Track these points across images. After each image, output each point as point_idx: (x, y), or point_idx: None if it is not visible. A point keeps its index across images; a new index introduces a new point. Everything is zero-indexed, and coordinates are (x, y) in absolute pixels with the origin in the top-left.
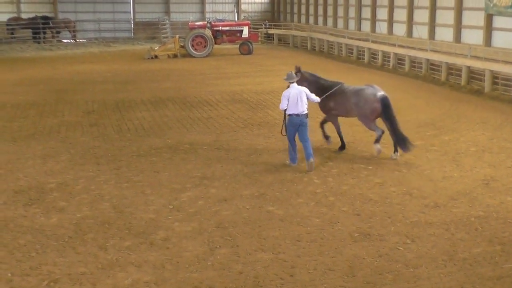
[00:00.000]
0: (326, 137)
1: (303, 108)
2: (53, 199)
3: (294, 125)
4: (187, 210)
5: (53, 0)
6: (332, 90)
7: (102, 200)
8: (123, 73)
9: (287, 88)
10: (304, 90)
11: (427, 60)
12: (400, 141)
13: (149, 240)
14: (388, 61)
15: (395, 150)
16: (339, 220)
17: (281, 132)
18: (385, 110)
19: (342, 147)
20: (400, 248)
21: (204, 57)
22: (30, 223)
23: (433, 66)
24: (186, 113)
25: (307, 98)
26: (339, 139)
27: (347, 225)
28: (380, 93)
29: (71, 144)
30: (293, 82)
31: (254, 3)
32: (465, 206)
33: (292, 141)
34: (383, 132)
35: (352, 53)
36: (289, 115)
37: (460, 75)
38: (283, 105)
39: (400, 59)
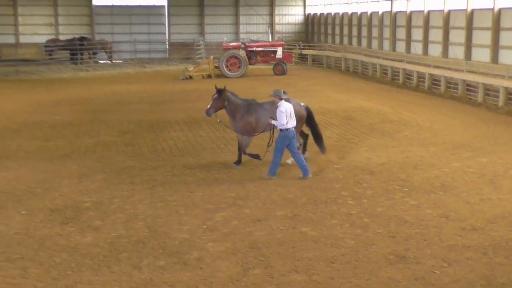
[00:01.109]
0: (256, 156)
1: (294, 123)
2: (88, 218)
3: (288, 139)
4: (221, 230)
5: (90, 21)
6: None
7: (136, 219)
8: (157, 94)
9: (277, 104)
10: (293, 104)
11: (463, 81)
12: (321, 142)
13: (183, 260)
14: (423, 81)
15: (305, 150)
16: (374, 242)
17: (268, 144)
18: (310, 116)
19: (238, 161)
20: (437, 271)
21: (238, 77)
22: (66, 241)
23: (469, 87)
24: (220, 133)
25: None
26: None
27: (382, 247)
28: (302, 104)
29: (106, 164)
30: (285, 98)
31: (288, 24)
32: (504, 229)
33: (281, 155)
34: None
35: (386, 73)
36: (287, 129)
37: (497, 96)
38: (284, 121)
39: (435, 80)
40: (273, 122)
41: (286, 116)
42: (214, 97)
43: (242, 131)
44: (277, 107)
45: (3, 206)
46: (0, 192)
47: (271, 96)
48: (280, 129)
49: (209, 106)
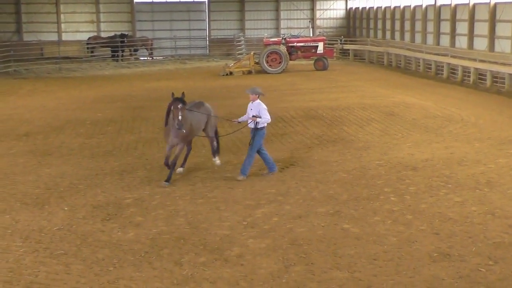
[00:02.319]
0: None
1: None
2: (130, 214)
3: (264, 137)
4: (261, 226)
5: (131, 18)
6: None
7: (177, 215)
8: (198, 90)
9: (253, 101)
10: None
11: (510, 75)
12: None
13: (224, 256)
14: (468, 76)
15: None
16: (417, 239)
17: (250, 143)
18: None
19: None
20: (482, 269)
21: (278, 73)
22: (108, 237)
23: None
24: None
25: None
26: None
27: (425, 245)
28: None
29: (147, 160)
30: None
31: (330, 18)
32: None
33: (254, 154)
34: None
35: (430, 68)
36: (263, 128)
37: None
38: (269, 117)
39: (481, 75)
40: (259, 120)
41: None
42: (179, 107)
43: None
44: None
45: (46, 202)
46: (43, 189)
47: (249, 92)
48: (259, 128)
49: (179, 119)
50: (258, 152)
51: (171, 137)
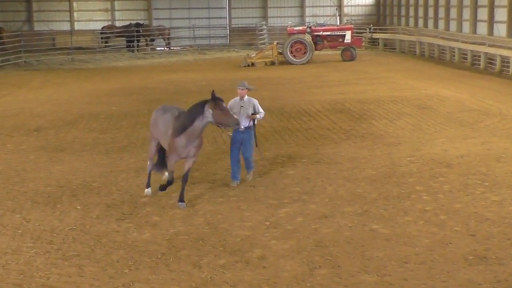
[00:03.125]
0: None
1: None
2: (146, 213)
3: None
4: (284, 227)
5: (147, 6)
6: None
7: (196, 215)
8: (218, 82)
9: (243, 97)
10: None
11: None
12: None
13: (245, 258)
14: (508, 67)
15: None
16: (451, 241)
17: (256, 144)
18: None
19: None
20: None
21: (303, 64)
22: (123, 238)
23: None
24: (284, 123)
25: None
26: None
27: (460, 247)
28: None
29: None
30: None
31: (358, 5)
32: None
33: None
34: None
35: (466, 58)
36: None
37: None
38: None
39: None
40: (258, 116)
41: None
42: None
43: None
44: (242, 101)
45: (58, 200)
46: (55, 186)
47: (242, 87)
48: (249, 127)
49: (235, 117)
50: (232, 152)
51: (187, 147)
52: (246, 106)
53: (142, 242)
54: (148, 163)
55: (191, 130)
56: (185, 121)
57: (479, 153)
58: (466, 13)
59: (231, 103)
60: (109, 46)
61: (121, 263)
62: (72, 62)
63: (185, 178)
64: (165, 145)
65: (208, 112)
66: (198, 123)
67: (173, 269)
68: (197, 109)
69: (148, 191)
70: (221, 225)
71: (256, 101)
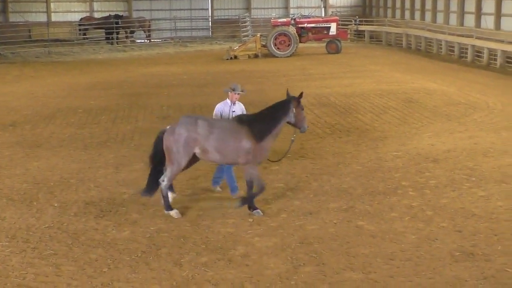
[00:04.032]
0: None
1: None
2: (125, 211)
3: None
4: (268, 224)
5: None
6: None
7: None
8: (200, 75)
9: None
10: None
11: None
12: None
13: (227, 256)
14: (495, 59)
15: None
16: (437, 237)
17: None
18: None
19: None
20: (509, 269)
21: (287, 56)
22: (101, 236)
23: None
24: None
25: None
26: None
27: (447, 243)
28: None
29: (145, 152)
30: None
31: None
32: None
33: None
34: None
35: (453, 51)
36: None
37: None
38: None
39: (509, 58)
40: None
41: None
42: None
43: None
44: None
45: (34, 198)
46: (31, 183)
47: (237, 91)
48: None
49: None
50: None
51: (266, 151)
52: (237, 111)
53: (121, 240)
54: (166, 183)
55: (278, 130)
56: (272, 121)
57: (466, 148)
58: (454, 5)
59: (221, 107)
60: (87, 38)
61: (100, 262)
62: (49, 54)
63: (251, 184)
64: (228, 159)
65: (292, 112)
66: (282, 123)
67: (153, 267)
68: (284, 108)
69: (175, 212)
70: (203, 222)
71: (242, 105)
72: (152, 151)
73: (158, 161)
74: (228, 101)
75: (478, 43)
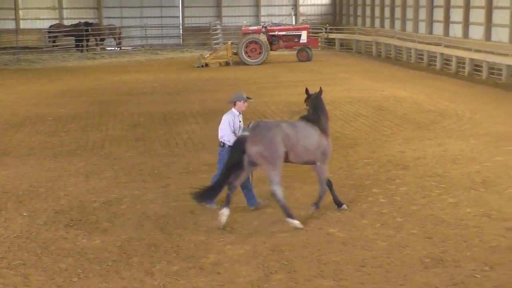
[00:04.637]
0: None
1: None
2: (96, 219)
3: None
4: (240, 231)
5: (97, 5)
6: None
7: (148, 220)
8: (171, 83)
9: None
10: (223, 117)
11: (508, 66)
12: (210, 188)
13: (199, 264)
14: (463, 67)
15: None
16: (408, 243)
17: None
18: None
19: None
20: (478, 275)
21: (258, 64)
22: (71, 245)
23: None
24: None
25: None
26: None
27: (417, 250)
28: (243, 132)
29: (115, 160)
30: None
31: (314, 5)
32: None
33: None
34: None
35: (422, 59)
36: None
37: None
38: None
39: (477, 66)
40: None
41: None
42: None
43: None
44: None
45: (3, 207)
46: (0, 192)
47: (243, 101)
48: None
49: None
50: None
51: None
52: (242, 122)
53: (92, 249)
54: (279, 191)
55: None
56: (326, 117)
57: (435, 155)
58: (422, 14)
59: (230, 117)
60: (57, 45)
61: (70, 272)
62: (17, 62)
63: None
64: (311, 157)
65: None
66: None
67: (124, 276)
68: (323, 103)
69: (298, 223)
70: (174, 230)
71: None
72: (230, 160)
73: (233, 170)
74: (234, 111)
75: (447, 51)
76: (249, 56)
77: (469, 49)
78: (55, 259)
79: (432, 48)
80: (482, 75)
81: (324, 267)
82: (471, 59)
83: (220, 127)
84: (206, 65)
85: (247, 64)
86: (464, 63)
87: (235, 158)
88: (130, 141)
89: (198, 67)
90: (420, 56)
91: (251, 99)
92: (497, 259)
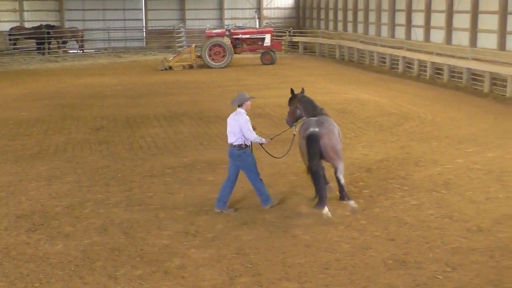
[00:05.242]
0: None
1: (231, 139)
2: (58, 224)
3: (229, 156)
4: (204, 235)
5: (59, 7)
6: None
7: (111, 225)
8: (134, 86)
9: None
10: (238, 118)
11: (468, 69)
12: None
13: (163, 268)
14: (425, 71)
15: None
16: (371, 245)
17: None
18: (307, 151)
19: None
20: (440, 276)
21: (222, 67)
22: (33, 250)
23: (475, 76)
24: (203, 129)
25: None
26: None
27: (380, 251)
28: (313, 128)
29: (78, 164)
30: (237, 106)
31: (277, 8)
32: None
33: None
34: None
35: (384, 62)
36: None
37: (505, 86)
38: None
39: (438, 69)
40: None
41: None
42: None
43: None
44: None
45: None
46: None
47: (250, 100)
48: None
49: None
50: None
51: None
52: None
53: (54, 254)
54: (343, 179)
55: None
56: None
57: (398, 157)
58: (385, 17)
59: (247, 118)
60: (18, 48)
61: (32, 277)
62: None
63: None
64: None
65: None
66: None
67: (87, 281)
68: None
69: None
70: (138, 234)
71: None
72: (314, 154)
73: (318, 164)
74: (242, 110)
75: (409, 54)
76: (213, 59)
77: (431, 53)
78: (16, 265)
79: (395, 52)
80: (443, 78)
81: (288, 270)
82: (433, 63)
83: (245, 131)
84: (170, 68)
85: (211, 67)
86: (425, 67)
87: (317, 150)
88: (93, 144)
89: (162, 70)
90: (383, 60)
91: (253, 98)
92: (459, 260)
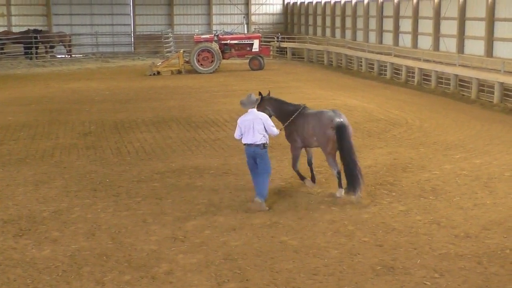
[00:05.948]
0: (302, 178)
1: (255, 138)
2: (45, 229)
3: (249, 156)
4: (192, 240)
5: (47, 12)
6: (295, 114)
7: (99, 230)
8: (122, 91)
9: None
10: (261, 117)
11: (456, 76)
12: (350, 181)
13: (151, 273)
14: (413, 77)
15: (340, 186)
16: (359, 251)
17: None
18: (340, 140)
19: (313, 179)
20: (427, 283)
21: (210, 73)
22: (20, 255)
23: (462, 83)
24: (191, 134)
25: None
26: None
27: (368, 257)
28: (339, 119)
29: (65, 169)
30: (251, 108)
31: (266, 14)
32: (499, 236)
33: (253, 174)
34: (339, 172)
35: (372, 68)
36: (244, 144)
37: (492, 92)
38: (236, 134)
39: (425, 75)
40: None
41: (240, 128)
42: None
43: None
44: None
45: None
46: None
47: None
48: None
49: None
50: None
51: None
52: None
53: (41, 259)
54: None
55: None
56: None
57: (386, 163)
58: (373, 23)
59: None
60: (5, 53)
61: (18, 282)
62: None
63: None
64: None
65: None
66: None
67: (75, 287)
68: None
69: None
70: (126, 239)
71: (239, 120)
72: (351, 147)
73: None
74: (255, 110)
75: (396, 60)
76: (201, 64)
77: (418, 59)
78: (3, 270)
79: (382, 58)
80: (431, 84)
81: (276, 276)
82: (420, 69)
83: (269, 127)
84: (158, 73)
85: (199, 73)
86: (413, 73)
87: (349, 140)
88: (80, 149)
89: (150, 75)
90: (371, 66)
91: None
92: (447, 266)
